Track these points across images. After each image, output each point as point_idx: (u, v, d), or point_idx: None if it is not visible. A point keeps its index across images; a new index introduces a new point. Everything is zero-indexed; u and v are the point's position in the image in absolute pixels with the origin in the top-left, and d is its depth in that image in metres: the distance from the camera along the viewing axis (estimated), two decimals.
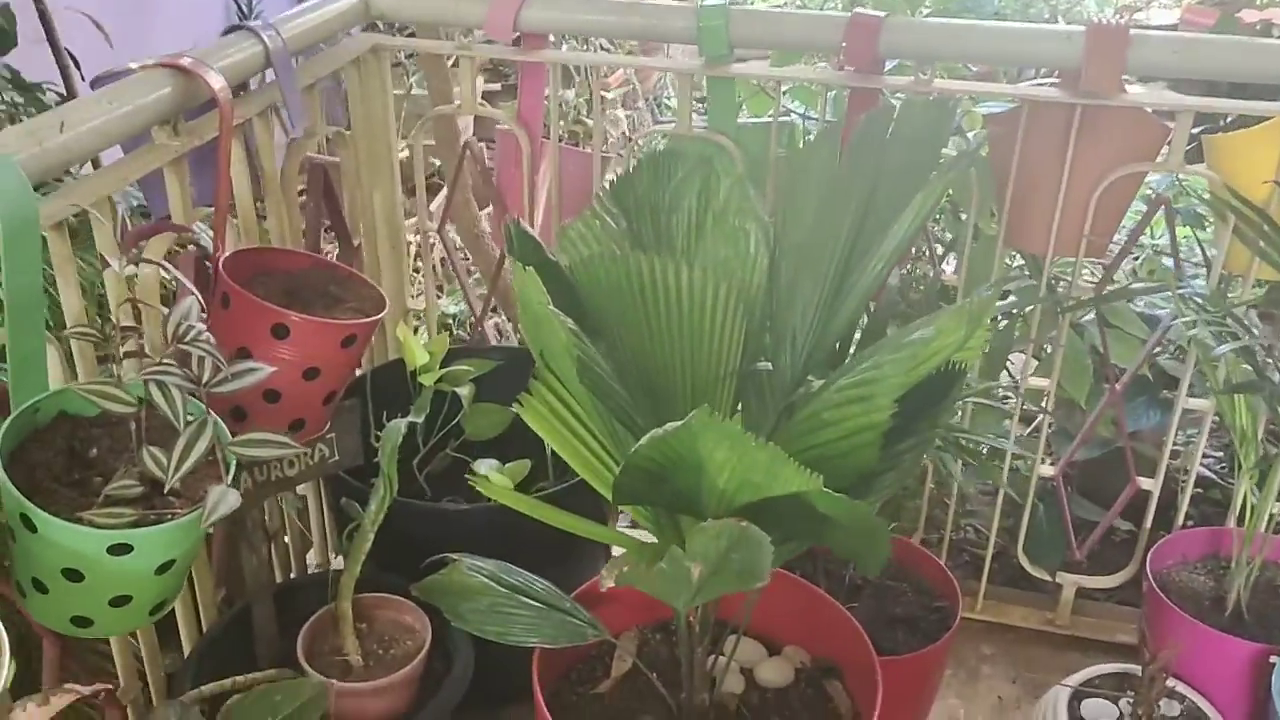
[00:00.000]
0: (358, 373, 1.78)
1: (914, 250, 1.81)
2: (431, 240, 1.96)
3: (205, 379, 1.03)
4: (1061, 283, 1.88)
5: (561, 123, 2.34)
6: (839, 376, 1.14)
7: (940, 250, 1.88)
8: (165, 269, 1.09)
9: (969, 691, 1.88)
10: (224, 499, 1.03)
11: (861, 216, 1.31)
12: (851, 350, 1.53)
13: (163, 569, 1.09)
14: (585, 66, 2.33)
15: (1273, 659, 1.52)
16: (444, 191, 1.94)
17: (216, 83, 1.30)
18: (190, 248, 1.38)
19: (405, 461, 1.90)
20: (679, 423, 0.95)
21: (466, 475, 1.45)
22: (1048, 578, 1.93)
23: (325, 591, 1.51)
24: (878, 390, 0.99)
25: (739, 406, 1.31)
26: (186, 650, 1.53)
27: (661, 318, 1.22)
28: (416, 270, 2.29)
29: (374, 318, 1.39)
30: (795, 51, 1.79)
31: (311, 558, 1.89)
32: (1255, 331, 1.45)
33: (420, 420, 1.71)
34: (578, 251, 1.32)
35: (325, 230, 1.80)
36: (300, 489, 1.80)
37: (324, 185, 1.70)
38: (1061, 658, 1.95)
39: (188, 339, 1.01)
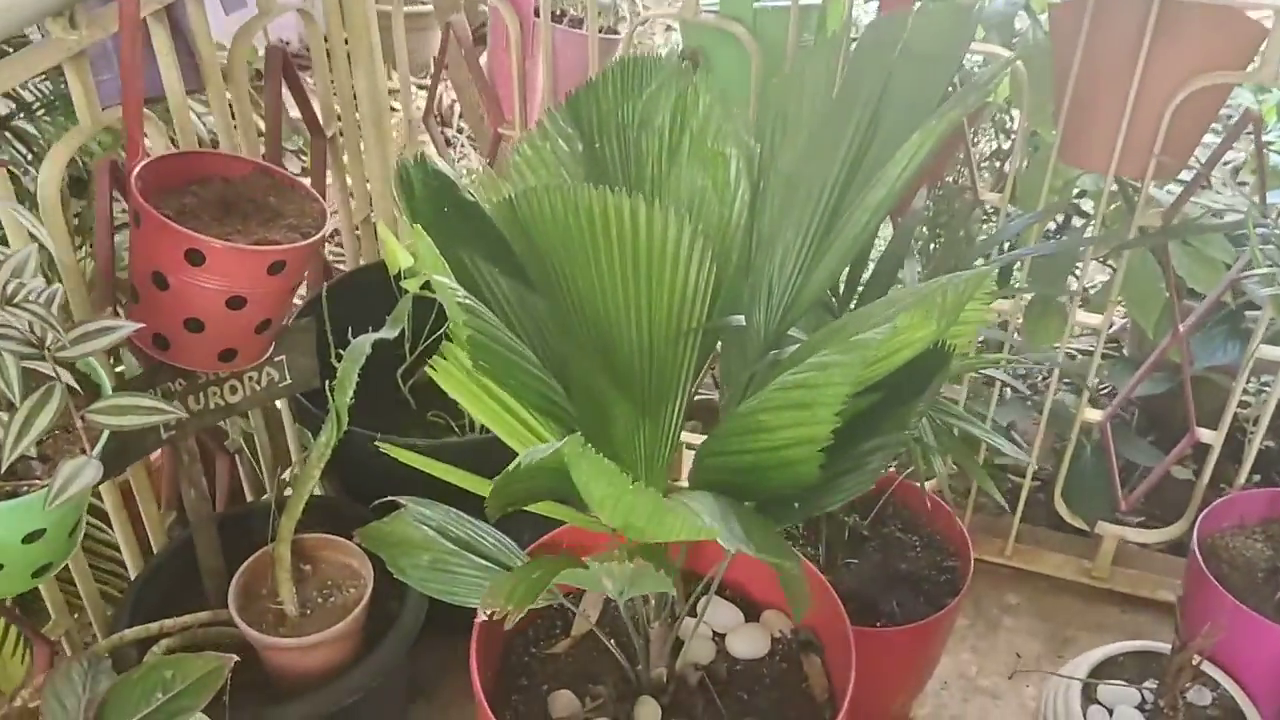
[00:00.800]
0: (323, 286, 1.64)
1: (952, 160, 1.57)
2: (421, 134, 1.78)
3: (49, 341, 0.89)
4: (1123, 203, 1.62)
5: None
6: (789, 363, 0.96)
7: (984, 161, 1.63)
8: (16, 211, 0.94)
9: (985, 645, 1.73)
10: (78, 475, 0.91)
11: (860, 148, 1.09)
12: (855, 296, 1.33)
13: (31, 537, 0.98)
14: None
15: None
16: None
17: None
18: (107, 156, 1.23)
19: (389, 372, 1.78)
20: (550, 446, 0.79)
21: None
22: (1085, 527, 1.75)
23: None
24: (819, 398, 0.81)
25: (703, 369, 1.14)
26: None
27: (615, 262, 1.03)
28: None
29: (306, 242, 1.23)
30: None
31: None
32: None
33: (394, 335, 1.57)
34: (523, 180, 1.14)
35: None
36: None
37: (285, 71, 1.52)
38: (1094, 612, 1.78)
39: (15, 300, 0.87)
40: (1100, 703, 1.44)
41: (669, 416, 1.13)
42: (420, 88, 3.08)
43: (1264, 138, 1.35)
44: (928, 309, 0.80)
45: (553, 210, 1.01)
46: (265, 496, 1.59)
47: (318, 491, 1.54)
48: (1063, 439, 1.72)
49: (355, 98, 1.70)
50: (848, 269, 1.34)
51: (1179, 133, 1.39)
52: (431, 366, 1.06)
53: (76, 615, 1.42)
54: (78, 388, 0.96)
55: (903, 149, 0.95)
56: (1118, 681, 1.43)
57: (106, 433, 0.97)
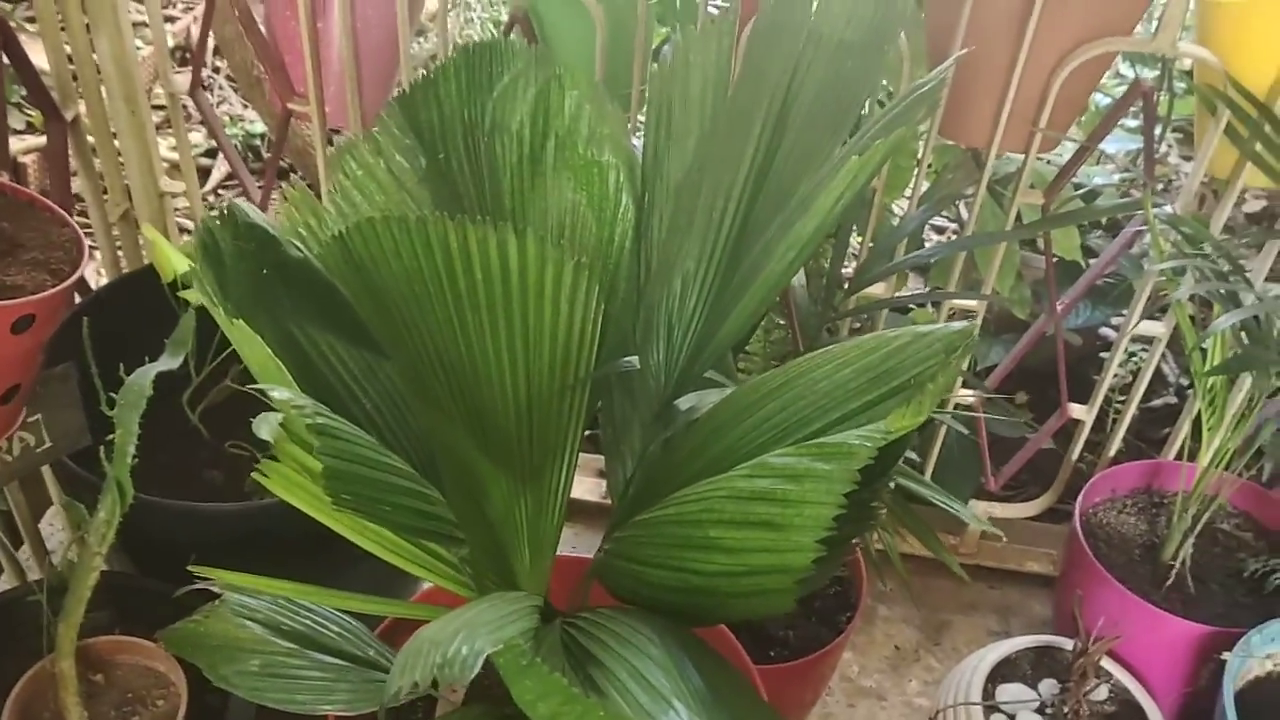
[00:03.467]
0: (77, 299, 1.33)
1: None
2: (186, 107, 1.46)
3: None
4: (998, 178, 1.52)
5: None
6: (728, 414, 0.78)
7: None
8: None
9: (863, 640, 1.65)
10: None
11: (766, 154, 0.91)
12: None
13: None
14: None
15: (1223, 655, 1.29)
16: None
17: None
18: None
19: (174, 396, 1.48)
20: (477, 652, 0.58)
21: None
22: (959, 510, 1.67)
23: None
24: (795, 520, 0.63)
25: (588, 429, 0.94)
26: None
27: (480, 308, 0.82)
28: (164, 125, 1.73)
29: (59, 287, 0.95)
30: None
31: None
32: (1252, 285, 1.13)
33: (177, 362, 1.28)
34: (353, 209, 0.90)
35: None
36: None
37: (4, 42, 1.19)
38: (965, 592, 1.73)
39: None
40: (998, 704, 1.37)
41: (554, 483, 0.94)
42: (170, 20, 2.66)
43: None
44: (920, 404, 0.63)
45: (396, 247, 0.79)
46: (34, 579, 1.29)
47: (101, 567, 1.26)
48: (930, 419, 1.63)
49: (98, 70, 1.38)
50: None
51: (1062, 103, 1.28)
52: (261, 471, 0.81)
53: None
54: None
55: (841, 173, 0.77)
56: (1019, 694, 1.37)
57: None
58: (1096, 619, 1.36)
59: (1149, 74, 1.69)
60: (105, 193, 1.48)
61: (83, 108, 1.37)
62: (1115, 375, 1.54)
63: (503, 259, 0.79)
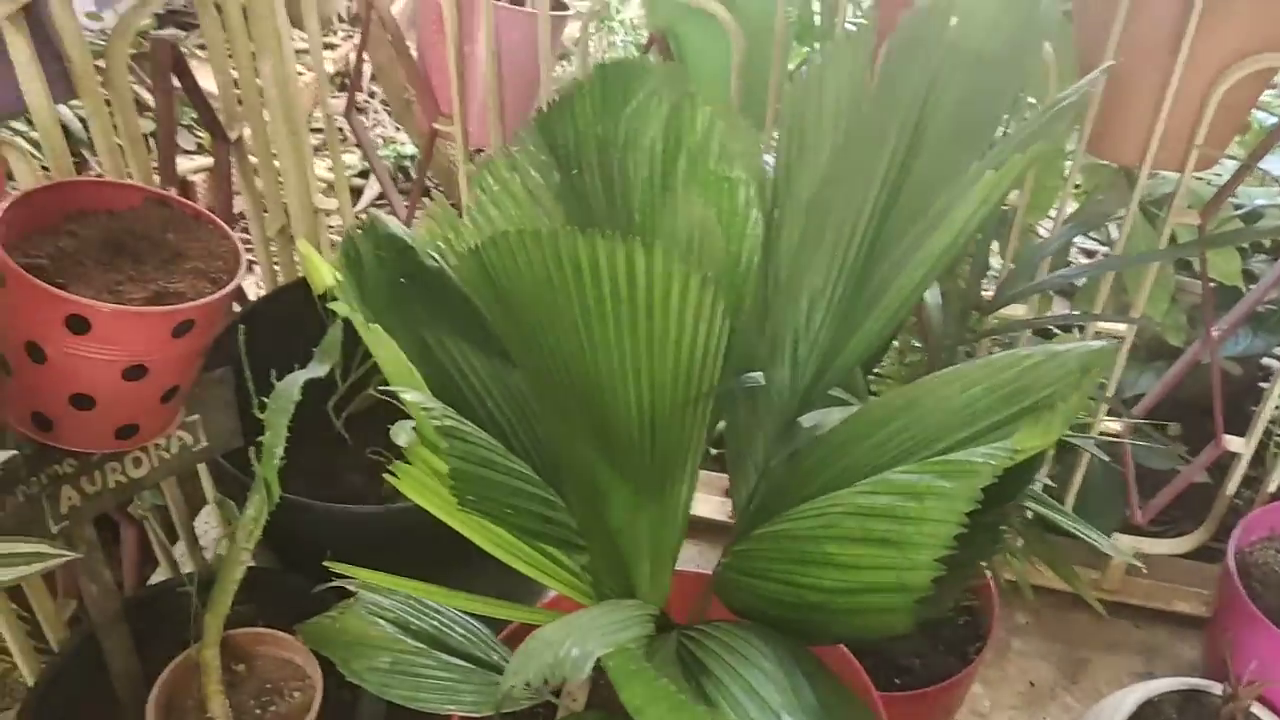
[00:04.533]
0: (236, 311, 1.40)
1: None
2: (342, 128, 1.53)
3: None
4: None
5: None
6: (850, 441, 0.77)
7: None
8: None
9: (995, 675, 1.59)
10: None
11: (900, 171, 0.90)
12: None
13: None
14: None
15: None
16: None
17: None
18: None
19: (321, 403, 1.55)
20: (588, 654, 0.59)
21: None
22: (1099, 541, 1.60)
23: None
24: (914, 537, 0.62)
25: (713, 443, 0.95)
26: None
27: (608, 320, 0.83)
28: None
29: (218, 294, 1.01)
30: None
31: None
32: None
33: (325, 371, 1.34)
34: (489, 223, 0.92)
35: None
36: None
37: (176, 68, 1.27)
38: (1107, 629, 1.65)
39: None
40: None
41: (676, 497, 0.94)
42: (330, 48, 2.78)
43: None
44: (1049, 423, 0.61)
45: (529, 260, 0.81)
46: (186, 572, 1.36)
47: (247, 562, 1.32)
48: (1071, 446, 1.58)
49: (262, 94, 1.46)
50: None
51: (1219, 119, 1.22)
52: (390, 472, 0.84)
53: None
54: None
55: (975, 189, 0.75)
56: None
57: None
58: (1248, 663, 1.28)
59: None
60: (265, 210, 1.56)
61: (246, 130, 1.45)
62: (1276, 407, 1.46)
63: (630, 272, 0.80)
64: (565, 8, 1.51)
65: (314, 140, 1.70)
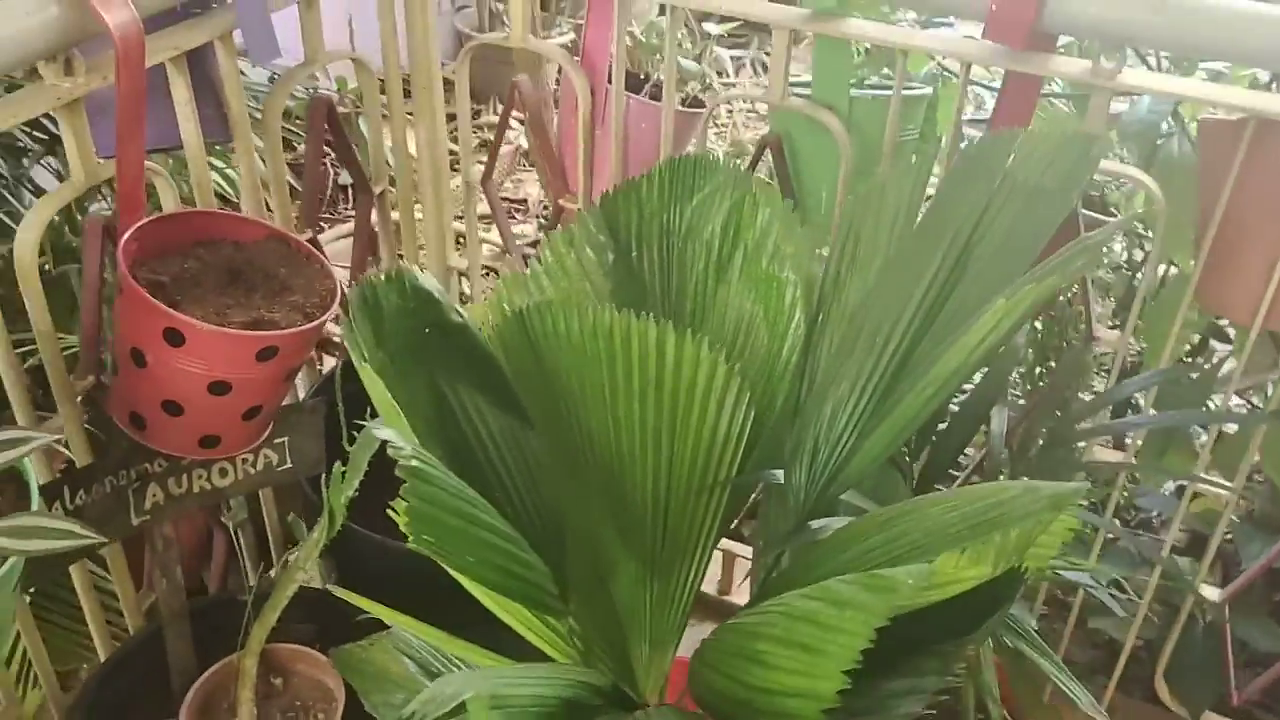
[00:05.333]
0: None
1: (1063, 293, 1.35)
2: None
3: None
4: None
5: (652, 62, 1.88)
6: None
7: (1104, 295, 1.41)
8: None
9: None
10: None
11: (941, 291, 0.90)
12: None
13: None
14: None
15: None
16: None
17: (115, 16, 1.00)
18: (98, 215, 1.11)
19: None
20: (453, 695, 0.61)
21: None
22: (1186, 715, 1.50)
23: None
24: (828, 645, 0.62)
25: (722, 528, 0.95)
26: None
27: (635, 397, 0.87)
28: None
29: (302, 328, 1.09)
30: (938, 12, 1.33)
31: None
32: None
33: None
34: (540, 291, 0.98)
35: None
36: None
37: (330, 124, 1.40)
38: None
39: None
40: None
41: (683, 577, 0.96)
42: (482, 145, 2.94)
43: None
44: (980, 551, 0.60)
45: (568, 330, 0.85)
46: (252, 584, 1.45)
47: (315, 585, 1.40)
48: (1171, 605, 1.48)
49: (411, 155, 1.57)
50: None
51: None
52: (394, 510, 0.89)
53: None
54: None
55: (985, 317, 0.75)
56: None
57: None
58: None
59: None
60: (401, 258, 1.67)
61: (389, 182, 1.57)
62: None
63: (659, 355, 0.83)
64: (700, 105, 1.58)
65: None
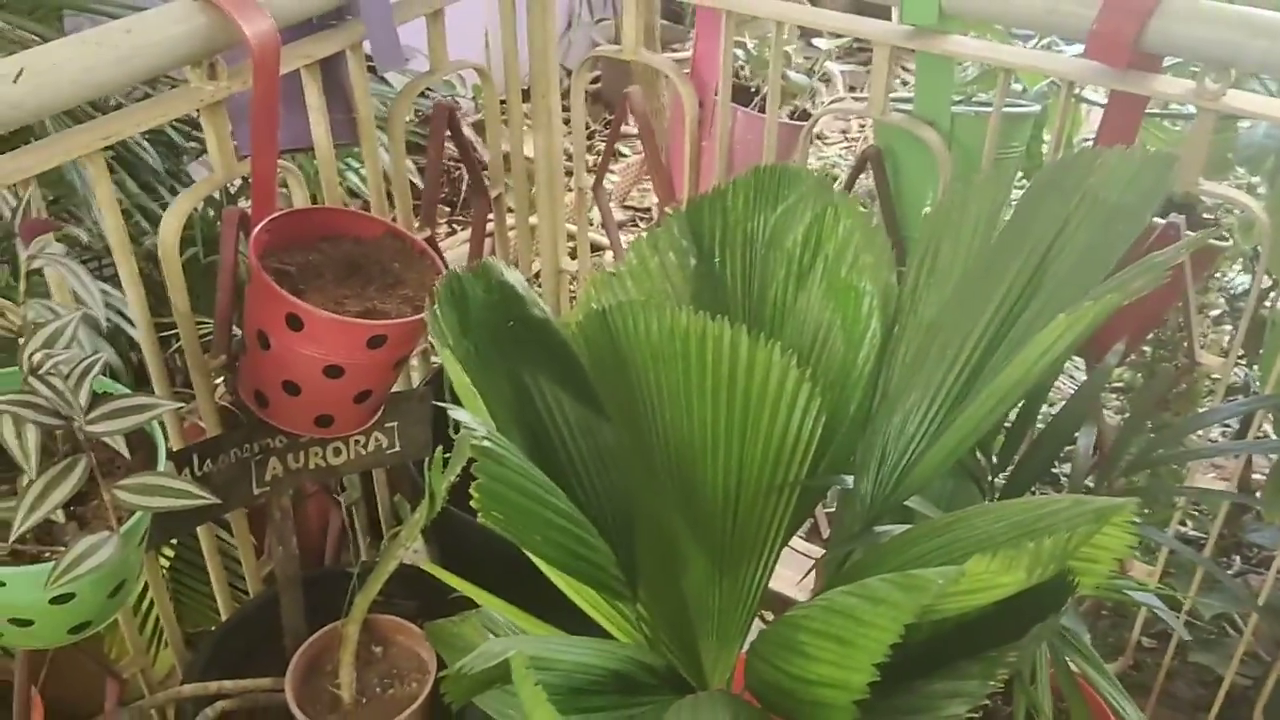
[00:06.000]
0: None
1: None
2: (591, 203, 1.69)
3: (75, 416, 0.85)
4: None
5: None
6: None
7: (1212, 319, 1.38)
8: (63, 267, 0.91)
9: None
10: (91, 554, 0.86)
11: (1015, 305, 0.92)
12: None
13: (60, 599, 0.95)
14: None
15: None
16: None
17: (253, 26, 1.09)
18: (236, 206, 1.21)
19: None
20: (499, 653, 0.66)
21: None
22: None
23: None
24: (860, 639, 0.65)
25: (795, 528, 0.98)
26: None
27: (708, 397, 0.91)
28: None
29: (408, 319, 1.17)
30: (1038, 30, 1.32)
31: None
32: None
33: None
34: (625, 292, 1.03)
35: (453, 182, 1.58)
36: None
37: (451, 129, 1.48)
38: None
39: (41, 370, 0.83)
40: None
41: (751, 575, 0.99)
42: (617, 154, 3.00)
43: None
44: (1013, 557, 0.62)
45: (647, 328, 0.90)
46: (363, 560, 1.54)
47: (418, 562, 1.48)
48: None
49: (528, 160, 1.65)
50: (1004, 432, 1.15)
51: None
52: (472, 494, 0.95)
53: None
54: (125, 454, 0.92)
55: (1045, 331, 0.77)
56: None
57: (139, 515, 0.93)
58: None
59: None
60: (515, 264, 1.75)
61: (505, 188, 1.65)
62: None
63: (733, 358, 0.87)
64: (808, 117, 1.60)
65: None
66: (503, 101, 1.58)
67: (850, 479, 0.97)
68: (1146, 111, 1.47)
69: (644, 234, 1.03)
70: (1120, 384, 1.73)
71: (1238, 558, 1.88)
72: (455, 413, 0.75)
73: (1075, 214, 0.91)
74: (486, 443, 0.74)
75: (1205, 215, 1.41)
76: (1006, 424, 1.16)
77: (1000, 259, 0.93)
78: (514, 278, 0.89)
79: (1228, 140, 1.40)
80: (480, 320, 0.87)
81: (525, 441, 0.89)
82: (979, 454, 1.13)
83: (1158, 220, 1.22)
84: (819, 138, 2.26)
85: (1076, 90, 1.23)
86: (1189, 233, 1.33)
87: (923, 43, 1.24)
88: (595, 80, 3.46)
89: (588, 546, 0.83)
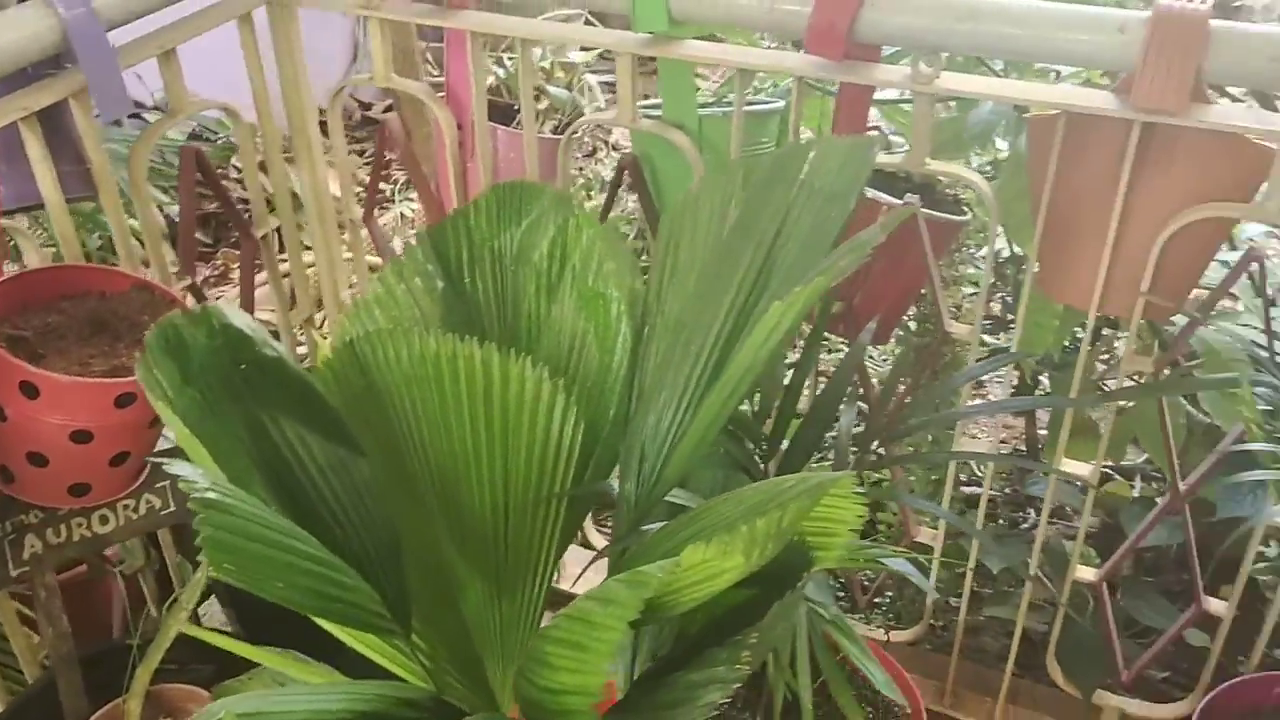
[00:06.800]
0: None
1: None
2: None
3: None
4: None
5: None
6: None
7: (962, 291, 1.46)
8: None
9: None
10: None
11: (751, 293, 0.94)
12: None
13: None
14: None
15: None
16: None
17: None
18: None
19: None
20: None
21: None
22: (1079, 695, 1.53)
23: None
24: (594, 641, 0.65)
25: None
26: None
27: (465, 417, 0.90)
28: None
29: None
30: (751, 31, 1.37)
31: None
32: None
33: None
34: (372, 321, 1.01)
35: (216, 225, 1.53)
36: None
37: (202, 172, 1.43)
38: None
39: None
40: None
41: (530, 591, 0.99)
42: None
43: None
44: (727, 542, 0.64)
45: (398, 357, 0.89)
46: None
47: (217, 624, 1.42)
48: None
49: (295, 197, 1.61)
50: (774, 415, 1.18)
51: (1174, 268, 1.21)
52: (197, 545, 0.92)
53: None
54: None
55: (764, 319, 0.79)
56: None
57: None
58: None
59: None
60: (293, 305, 1.70)
61: (273, 227, 1.60)
62: (1265, 563, 1.38)
63: (486, 373, 0.87)
64: (560, 131, 1.62)
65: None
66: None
67: (615, 483, 0.98)
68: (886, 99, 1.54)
69: (390, 262, 1.01)
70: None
71: (1031, 511, 1.99)
72: (172, 466, 0.72)
73: (796, 203, 0.94)
74: (210, 494, 0.71)
75: (947, 192, 1.49)
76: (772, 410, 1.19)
77: (732, 252, 0.96)
78: (241, 320, 0.86)
79: (963, 121, 1.48)
80: (206, 366, 0.83)
81: (269, 486, 0.86)
82: (748, 442, 1.16)
83: (891, 200, 1.28)
84: (590, 155, 2.28)
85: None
86: (941, 214, 1.40)
87: (660, 49, 1.27)
88: (389, 108, 3.42)
89: (341, 587, 0.81)
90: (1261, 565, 1.42)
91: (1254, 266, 1.17)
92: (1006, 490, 1.96)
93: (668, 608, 0.72)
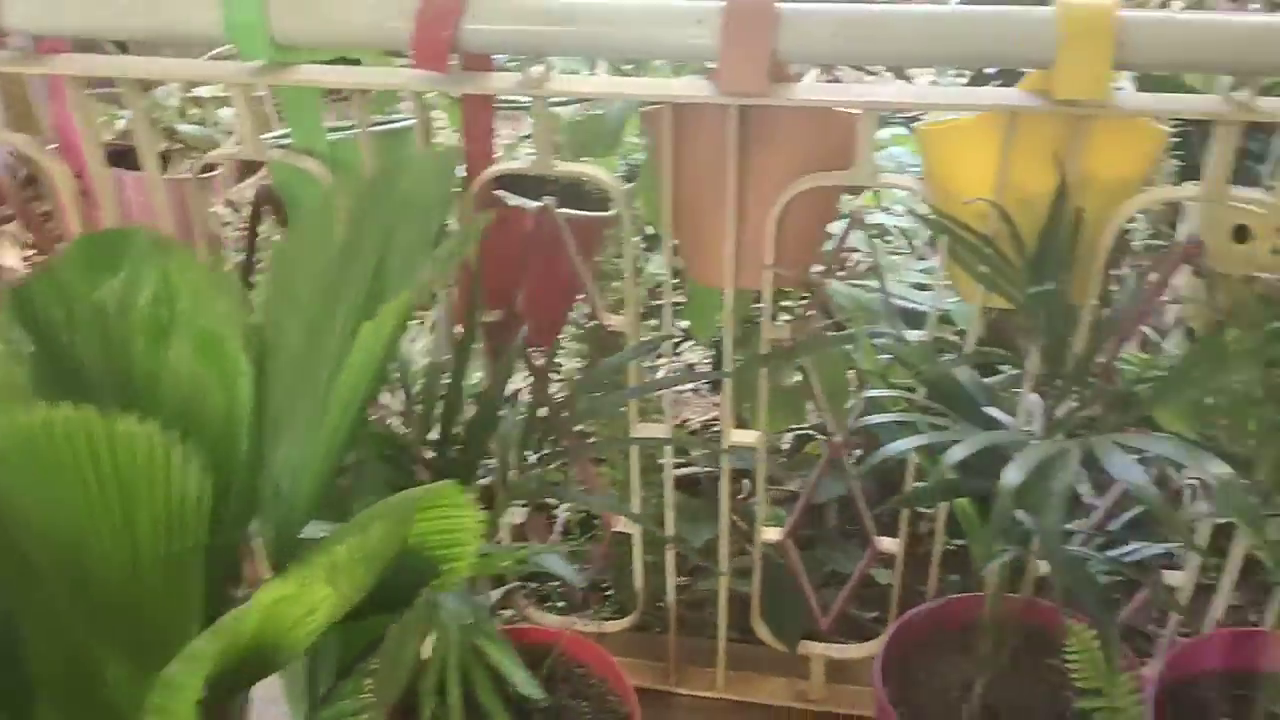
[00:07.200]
0: None
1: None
2: None
3: None
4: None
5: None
6: None
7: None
8: None
9: None
10: None
11: (361, 312, 0.93)
12: None
13: None
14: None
15: None
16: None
17: None
18: None
19: None
20: None
21: None
22: (787, 649, 1.61)
23: None
24: (174, 702, 0.63)
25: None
26: None
27: (78, 486, 0.84)
28: None
29: None
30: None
31: None
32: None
33: None
34: None
35: None
36: None
37: None
38: None
39: None
40: None
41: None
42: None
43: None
44: (306, 574, 0.63)
45: None
46: None
47: None
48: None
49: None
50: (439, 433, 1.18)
51: (793, 240, 1.29)
52: None
53: None
54: None
55: (359, 339, 0.78)
56: None
57: None
58: None
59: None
60: None
61: None
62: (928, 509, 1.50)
63: (90, 436, 0.81)
64: (212, 169, 1.56)
65: None
66: None
67: (254, 526, 0.95)
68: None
69: None
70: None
71: (746, 481, 2.08)
72: None
73: (400, 217, 0.94)
74: None
75: (595, 191, 1.53)
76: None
77: (343, 275, 0.95)
78: None
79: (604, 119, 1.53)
80: None
81: None
82: (409, 464, 1.15)
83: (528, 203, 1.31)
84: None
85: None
86: (583, 212, 1.44)
87: (273, 77, 1.24)
88: None
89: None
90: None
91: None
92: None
93: (272, 650, 0.70)
